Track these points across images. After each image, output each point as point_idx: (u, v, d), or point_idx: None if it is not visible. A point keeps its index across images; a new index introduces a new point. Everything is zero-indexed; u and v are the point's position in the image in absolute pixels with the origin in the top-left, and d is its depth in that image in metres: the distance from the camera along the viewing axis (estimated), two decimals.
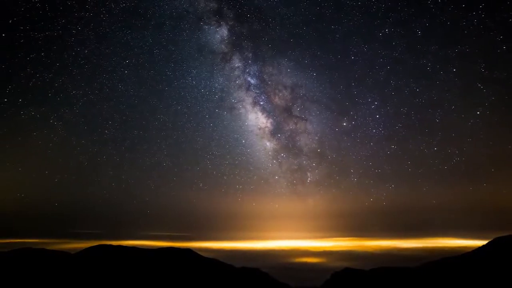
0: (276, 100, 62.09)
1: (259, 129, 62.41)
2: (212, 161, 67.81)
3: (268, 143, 63.94)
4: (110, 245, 30.07)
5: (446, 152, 59.83)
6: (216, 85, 63.99)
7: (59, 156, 62.81)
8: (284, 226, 73.29)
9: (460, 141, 58.58)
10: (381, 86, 61.36)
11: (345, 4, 57.23)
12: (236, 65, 61.07)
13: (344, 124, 63.18)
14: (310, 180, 63.36)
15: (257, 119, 61.95)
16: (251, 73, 61.66)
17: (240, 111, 63.18)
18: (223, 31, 59.42)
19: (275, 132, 63.12)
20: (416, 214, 71.32)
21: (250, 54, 62.09)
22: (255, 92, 62.00)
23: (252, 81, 61.47)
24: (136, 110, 66.00)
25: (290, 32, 60.71)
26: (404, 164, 62.25)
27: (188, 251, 30.68)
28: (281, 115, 63.52)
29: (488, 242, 27.17)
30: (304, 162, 63.51)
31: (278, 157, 63.98)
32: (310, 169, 64.41)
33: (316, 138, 63.13)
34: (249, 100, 61.78)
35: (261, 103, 61.99)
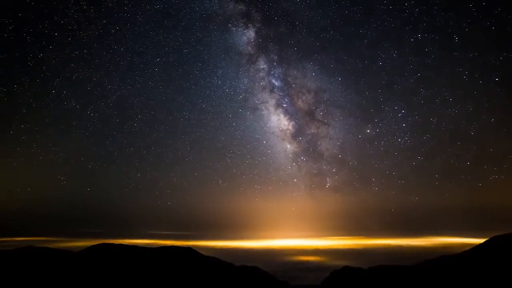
0: (299, 103, 62.24)
1: (281, 131, 62.84)
2: (233, 159, 69.40)
3: (288, 146, 64.32)
4: (113, 244, 30.44)
5: (481, 168, 55.94)
6: (241, 85, 65.42)
7: (93, 145, 67.12)
8: (287, 226, 73.80)
9: (499, 158, 53.29)
10: (410, 94, 58.37)
11: (375, 8, 55.02)
12: (261, 67, 61.68)
13: (368, 131, 62.15)
14: (329, 186, 63.42)
15: (279, 121, 62.46)
16: (276, 75, 62.10)
17: (263, 112, 64.08)
18: (250, 33, 60.01)
19: (296, 135, 63.39)
20: (417, 213, 71.39)
21: (276, 57, 62.57)
22: (279, 94, 62.42)
23: (276, 83, 61.86)
24: (164, 106, 68.88)
25: (317, 36, 60.21)
26: (431, 177, 59.54)
27: (189, 249, 31.03)
28: (303, 119, 63.73)
29: (486, 241, 27.41)
30: (324, 167, 63.53)
31: (298, 160, 64.35)
32: (329, 175, 64.74)
33: (338, 143, 62.73)
34: (272, 102, 62.26)
35: (284, 105, 62.31)
